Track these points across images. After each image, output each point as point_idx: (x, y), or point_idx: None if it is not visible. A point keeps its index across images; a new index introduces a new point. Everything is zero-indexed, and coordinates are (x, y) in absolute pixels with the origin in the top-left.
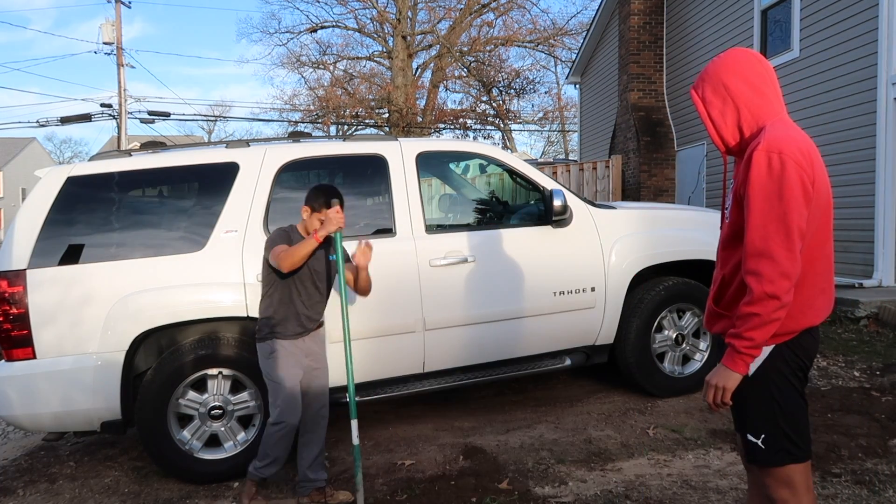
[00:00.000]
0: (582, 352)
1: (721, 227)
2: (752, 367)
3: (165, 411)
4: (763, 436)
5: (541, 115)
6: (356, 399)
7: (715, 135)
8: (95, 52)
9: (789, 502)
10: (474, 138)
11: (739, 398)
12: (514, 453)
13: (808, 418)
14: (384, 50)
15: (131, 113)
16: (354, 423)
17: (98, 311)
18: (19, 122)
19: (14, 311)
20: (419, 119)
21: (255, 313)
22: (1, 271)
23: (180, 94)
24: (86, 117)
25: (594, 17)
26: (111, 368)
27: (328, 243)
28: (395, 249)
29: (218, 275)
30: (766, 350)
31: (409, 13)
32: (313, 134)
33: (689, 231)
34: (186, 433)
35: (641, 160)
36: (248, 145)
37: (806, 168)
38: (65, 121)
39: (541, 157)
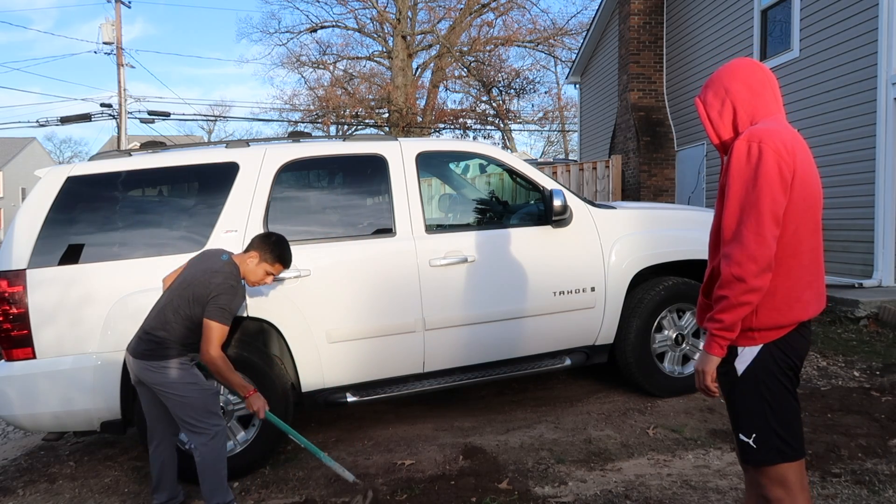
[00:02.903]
0: (582, 352)
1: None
2: (741, 367)
3: None
4: (754, 435)
5: (541, 115)
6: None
7: (711, 131)
8: (95, 52)
9: (784, 501)
10: (474, 138)
11: (731, 398)
12: (514, 453)
13: (800, 417)
14: (384, 50)
15: (131, 113)
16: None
17: (98, 310)
18: (19, 122)
19: (14, 310)
20: (419, 119)
21: (255, 313)
22: (1, 271)
23: (180, 94)
24: (86, 117)
25: (594, 17)
26: (111, 368)
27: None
28: (395, 249)
29: None
30: (755, 350)
31: (409, 13)
32: (313, 134)
33: (689, 231)
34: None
35: (641, 160)
36: (248, 145)
37: (785, 157)
38: (65, 121)
39: (541, 157)
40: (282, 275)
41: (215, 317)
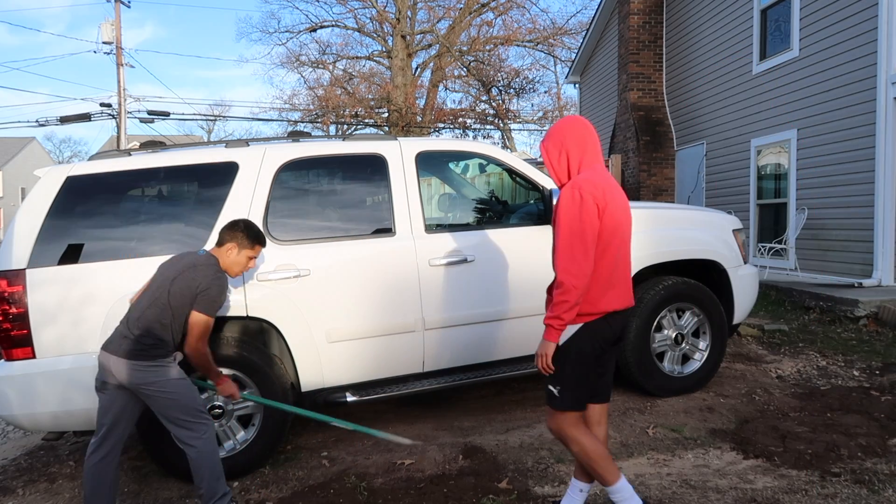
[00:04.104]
0: None
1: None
2: (562, 340)
3: None
4: (559, 387)
5: (540, 114)
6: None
7: (553, 174)
8: (95, 52)
9: (570, 440)
10: (474, 138)
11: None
12: (514, 453)
13: (591, 382)
14: (384, 49)
15: (131, 113)
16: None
17: (98, 310)
18: (19, 122)
19: (14, 310)
20: (419, 119)
21: (255, 313)
22: (0, 271)
23: (180, 94)
24: (85, 117)
25: (594, 17)
26: None
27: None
28: (395, 249)
29: None
30: (575, 328)
31: (409, 12)
32: (313, 133)
33: (689, 230)
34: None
35: (641, 160)
36: (248, 145)
37: (598, 198)
38: (64, 120)
39: (540, 157)
40: (281, 274)
41: (205, 310)
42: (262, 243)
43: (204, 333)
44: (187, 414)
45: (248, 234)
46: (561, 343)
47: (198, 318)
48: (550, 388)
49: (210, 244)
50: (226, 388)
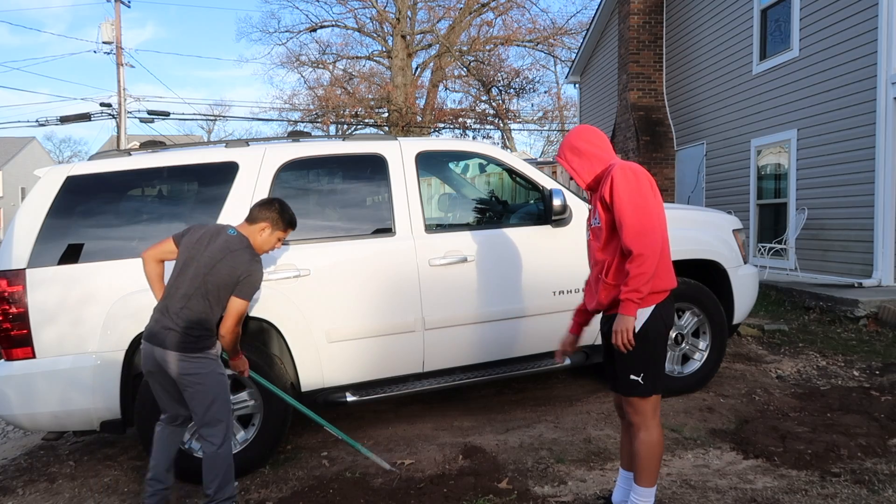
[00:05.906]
0: (581, 351)
1: (591, 236)
2: (638, 325)
3: None
4: (642, 374)
5: (540, 114)
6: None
7: (579, 179)
8: (95, 52)
9: (641, 425)
10: (474, 138)
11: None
12: (514, 453)
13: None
14: (384, 49)
15: (131, 112)
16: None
17: (98, 310)
18: (19, 122)
19: (14, 310)
20: (419, 119)
21: (255, 312)
22: (0, 270)
23: (180, 94)
24: (85, 117)
25: (594, 17)
26: (111, 368)
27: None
28: (395, 249)
29: None
30: (648, 310)
31: (409, 12)
32: (313, 133)
33: (689, 230)
34: (185, 433)
35: (641, 159)
36: (248, 144)
37: (648, 176)
38: (64, 120)
39: (540, 157)
40: (281, 274)
41: (245, 295)
42: (294, 226)
43: (242, 317)
44: (218, 412)
45: (282, 216)
46: (638, 329)
47: (238, 304)
48: (633, 377)
49: None
50: (239, 364)
